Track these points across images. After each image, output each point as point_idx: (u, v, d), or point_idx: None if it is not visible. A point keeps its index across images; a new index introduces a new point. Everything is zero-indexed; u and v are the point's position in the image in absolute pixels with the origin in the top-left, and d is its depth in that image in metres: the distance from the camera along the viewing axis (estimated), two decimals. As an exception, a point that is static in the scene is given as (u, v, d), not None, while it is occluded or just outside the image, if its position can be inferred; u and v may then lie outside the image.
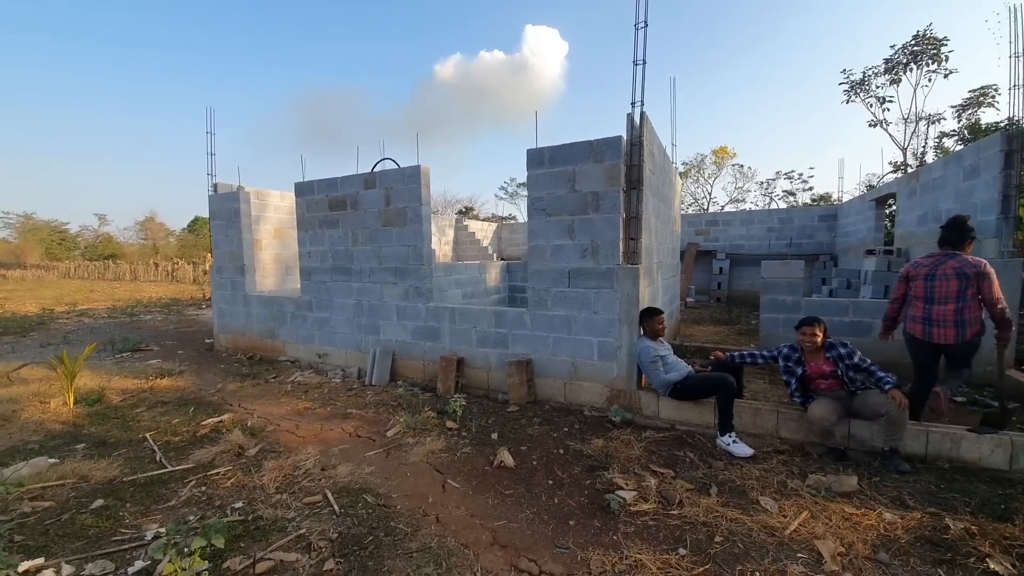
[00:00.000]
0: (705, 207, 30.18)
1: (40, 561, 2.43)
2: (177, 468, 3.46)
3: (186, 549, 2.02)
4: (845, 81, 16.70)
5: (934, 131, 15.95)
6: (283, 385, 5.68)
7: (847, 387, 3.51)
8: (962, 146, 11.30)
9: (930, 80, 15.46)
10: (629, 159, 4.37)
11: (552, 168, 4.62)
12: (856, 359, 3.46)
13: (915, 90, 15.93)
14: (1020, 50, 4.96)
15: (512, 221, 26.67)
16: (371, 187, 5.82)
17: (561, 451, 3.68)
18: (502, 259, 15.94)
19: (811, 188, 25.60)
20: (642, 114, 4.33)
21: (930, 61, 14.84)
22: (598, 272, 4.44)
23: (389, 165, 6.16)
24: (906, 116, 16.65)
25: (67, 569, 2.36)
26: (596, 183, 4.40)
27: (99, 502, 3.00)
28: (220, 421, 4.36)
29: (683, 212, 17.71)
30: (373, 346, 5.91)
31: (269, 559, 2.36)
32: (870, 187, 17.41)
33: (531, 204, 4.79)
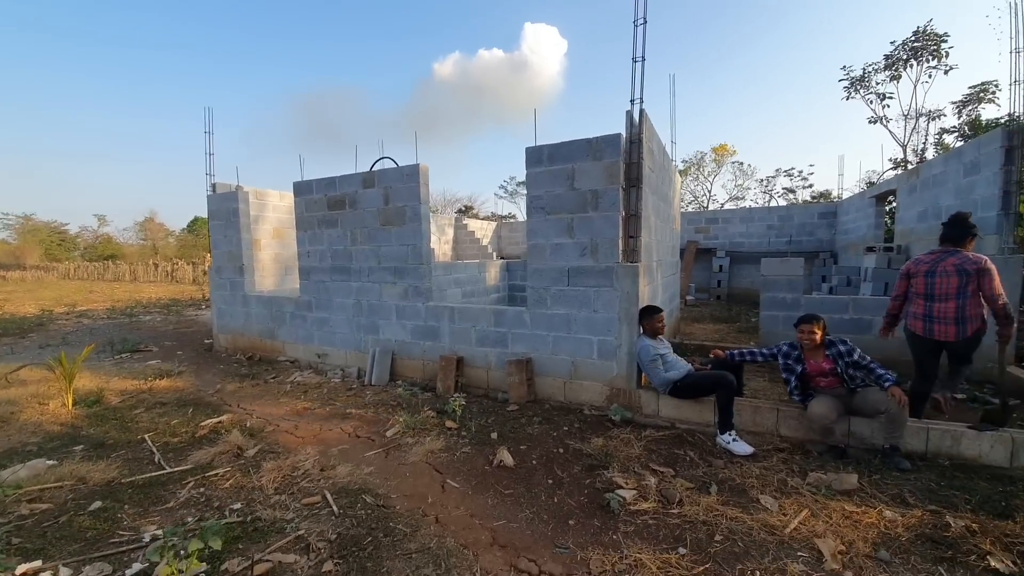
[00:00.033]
0: (705, 205, 30.15)
1: (38, 564, 2.42)
2: (176, 469, 3.45)
3: (183, 551, 2.01)
4: (845, 77, 16.66)
5: (934, 127, 15.94)
6: (282, 385, 5.67)
7: (847, 385, 3.50)
8: (962, 142, 11.29)
9: (930, 76, 15.44)
10: (628, 157, 4.35)
11: (551, 166, 4.61)
12: (856, 356, 3.45)
13: (915, 86, 15.91)
14: (1020, 45, 4.94)
15: (512, 220, 26.63)
16: (370, 186, 5.80)
17: (561, 450, 3.67)
18: (502, 258, 15.92)
19: (811, 185, 25.58)
20: (641, 111, 4.31)
21: (930, 57, 14.80)
22: (597, 270, 4.43)
23: (388, 164, 6.15)
24: (906, 112, 16.63)
25: (65, 571, 2.35)
26: (595, 181, 4.39)
27: (97, 504, 3.00)
28: (219, 422, 4.35)
29: (683, 210, 17.69)
30: (372, 346, 5.90)
31: (267, 560, 2.35)
32: (870, 184, 17.38)
33: (530, 202, 4.78)
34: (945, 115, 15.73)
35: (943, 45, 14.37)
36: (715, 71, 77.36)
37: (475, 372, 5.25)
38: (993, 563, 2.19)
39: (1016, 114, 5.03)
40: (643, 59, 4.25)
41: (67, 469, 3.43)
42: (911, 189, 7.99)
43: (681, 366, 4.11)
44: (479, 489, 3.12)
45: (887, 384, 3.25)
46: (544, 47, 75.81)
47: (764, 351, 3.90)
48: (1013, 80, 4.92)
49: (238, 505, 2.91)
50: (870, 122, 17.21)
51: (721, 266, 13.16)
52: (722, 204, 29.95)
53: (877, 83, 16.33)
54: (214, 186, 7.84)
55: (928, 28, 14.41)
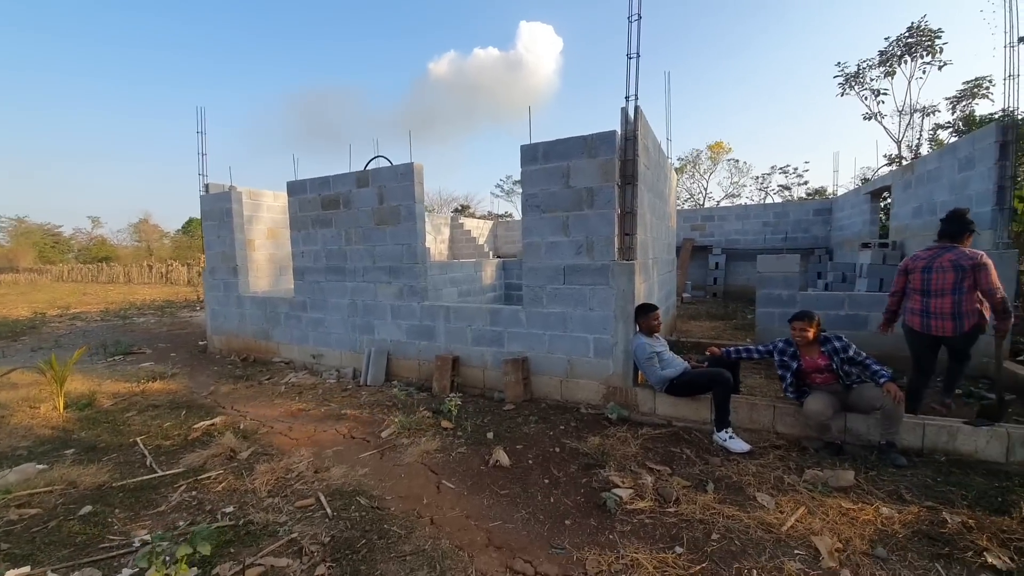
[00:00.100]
0: (701, 202, 30.18)
1: (26, 570, 2.38)
2: (168, 473, 3.41)
3: (168, 557, 1.97)
4: (840, 74, 16.68)
5: (929, 123, 15.97)
6: (277, 387, 5.63)
7: (842, 381, 3.49)
8: (956, 138, 11.32)
9: (924, 72, 15.47)
10: (623, 154, 4.33)
11: (546, 164, 4.58)
12: (851, 353, 3.44)
13: (909, 82, 15.93)
14: (1015, 40, 4.94)
15: (508, 219, 26.59)
16: (364, 185, 5.76)
17: (557, 449, 3.65)
18: (498, 257, 15.90)
19: (806, 182, 25.61)
20: (636, 108, 4.29)
21: (924, 53, 14.83)
22: (593, 268, 4.41)
23: (382, 163, 6.11)
24: (901, 108, 16.66)
25: (53, 578, 2.31)
26: (590, 179, 4.36)
27: (87, 508, 2.96)
28: (212, 424, 4.30)
29: (679, 207, 17.70)
30: (368, 346, 5.87)
31: (259, 564, 2.32)
32: (865, 180, 17.42)
33: (525, 201, 4.75)
34: (939, 111, 15.78)
35: (937, 41, 14.40)
36: (710, 68, 77.53)
37: (471, 372, 5.22)
38: (990, 559, 2.18)
39: (1010, 109, 5.04)
40: (638, 55, 4.23)
41: (57, 473, 3.39)
42: (906, 185, 8.00)
43: (677, 364, 4.09)
44: (475, 489, 3.10)
45: (882, 380, 3.25)
46: (539, 46, 75.85)
47: (760, 348, 3.88)
48: (1007, 75, 4.93)
49: (230, 508, 2.88)
50: (865, 118, 17.26)
51: (717, 263, 13.17)
52: (718, 201, 30.00)
53: (871, 79, 16.36)
54: (207, 186, 7.77)
55: (922, 24, 14.44)
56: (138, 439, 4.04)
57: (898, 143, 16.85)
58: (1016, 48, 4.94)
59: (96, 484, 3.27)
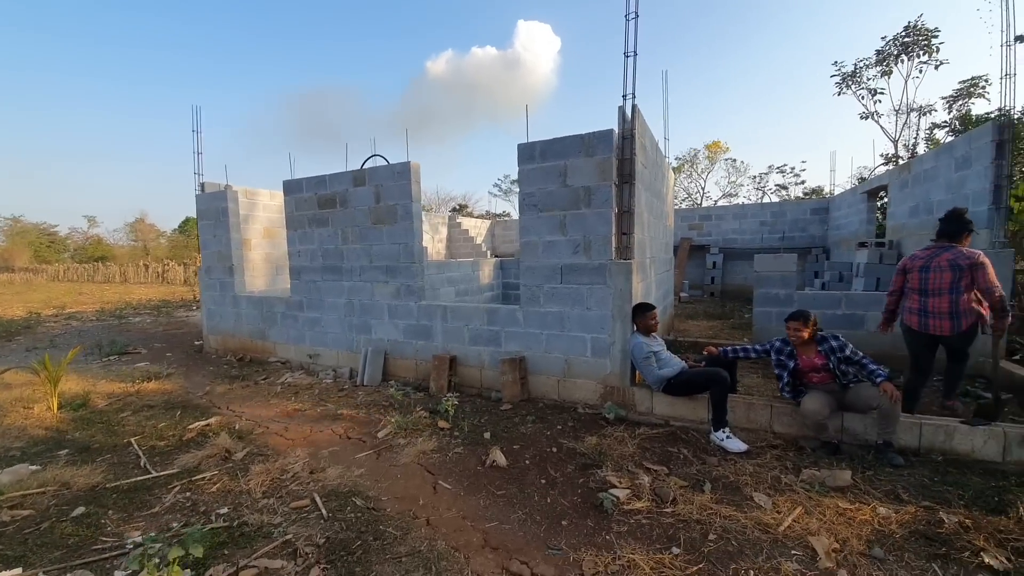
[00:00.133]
0: (699, 202, 30.22)
1: (18, 571, 2.36)
2: (162, 473, 3.38)
3: (160, 560, 1.95)
4: (836, 73, 16.73)
5: (925, 123, 16.03)
6: (273, 386, 5.60)
7: (839, 380, 3.49)
8: (953, 137, 11.35)
9: (921, 71, 15.54)
10: (621, 153, 4.31)
11: (543, 163, 4.56)
12: (848, 352, 3.44)
13: (906, 81, 15.99)
14: (1011, 39, 4.94)
15: (506, 218, 26.58)
16: (360, 184, 5.73)
17: (554, 449, 3.64)
18: (496, 256, 15.88)
19: (803, 182, 25.74)
20: (634, 107, 4.27)
21: (921, 52, 14.88)
22: (591, 268, 4.40)
23: (379, 162, 6.08)
24: (897, 108, 16.72)
25: (44, 580, 2.29)
26: (588, 177, 4.35)
27: (80, 510, 2.93)
28: (207, 424, 4.28)
29: (677, 207, 17.70)
30: (365, 346, 5.84)
31: (253, 566, 2.30)
32: (862, 180, 17.46)
33: (522, 200, 4.73)
34: (936, 110, 15.86)
35: (934, 40, 14.44)
36: (707, 67, 77.57)
37: (468, 371, 5.21)
38: (987, 559, 2.18)
39: (1007, 108, 5.04)
40: (635, 54, 4.21)
41: (50, 474, 3.36)
42: (902, 184, 8.01)
43: (675, 363, 4.08)
44: (471, 490, 3.08)
45: (879, 380, 3.24)
46: (537, 45, 75.75)
47: (757, 347, 3.88)
48: (1004, 74, 4.93)
49: (225, 509, 2.85)
50: (861, 118, 17.32)
51: (715, 263, 13.18)
52: (715, 201, 30.06)
53: (868, 79, 16.42)
54: (203, 185, 7.73)
55: (919, 23, 14.48)
56: (132, 440, 4.01)
57: (895, 142, 16.91)
58: (1013, 47, 4.94)
59: (90, 485, 3.25)
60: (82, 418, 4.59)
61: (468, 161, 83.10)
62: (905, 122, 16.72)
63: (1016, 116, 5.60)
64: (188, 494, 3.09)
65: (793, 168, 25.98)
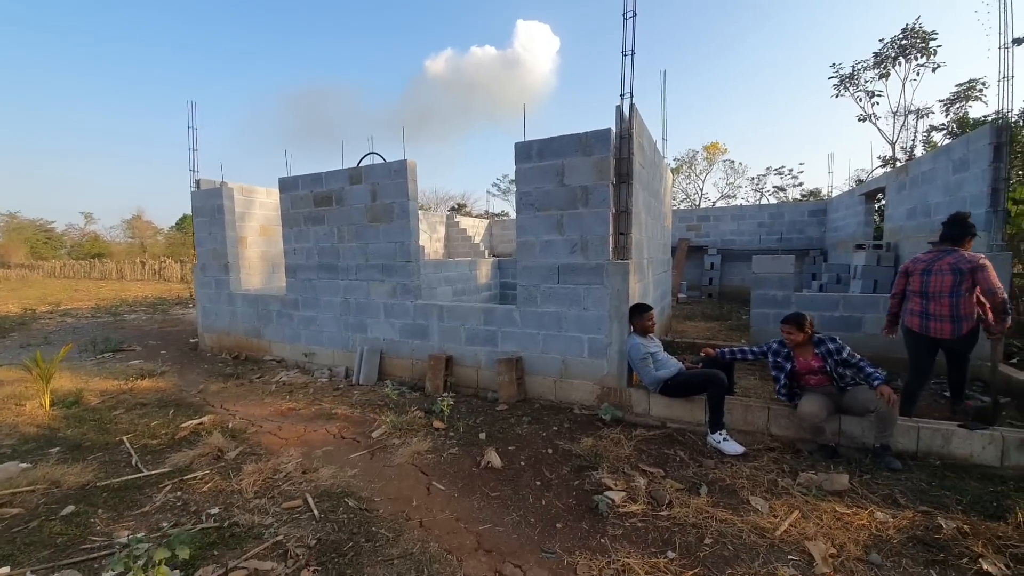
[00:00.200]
0: (697, 203, 30.23)
1: (5, 570, 2.33)
2: (153, 472, 3.34)
3: (143, 561, 1.91)
4: (834, 75, 16.72)
5: (923, 125, 16.05)
6: (267, 385, 5.56)
7: (836, 383, 3.47)
8: (950, 140, 11.37)
9: (919, 74, 15.53)
10: (618, 152, 4.29)
11: (540, 162, 4.53)
12: (845, 354, 3.42)
13: (904, 84, 15.99)
14: (1009, 41, 4.93)
15: (504, 218, 26.54)
16: (357, 182, 5.70)
17: (550, 451, 3.61)
18: (494, 256, 15.85)
19: (801, 184, 25.72)
20: (631, 106, 4.25)
21: (918, 55, 14.88)
22: (588, 268, 4.37)
23: (375, 160, 6.05)
24: (895, 110, 16.73)
25: (30, 581, 2.25)
26: (585, 177, 4.32)
27: (70, 508, 2.89)
28: (200, 423, 4.24)
29: (675, 208, 17.70)
30: (360, 345, 5.81)
31: (243, 568, 2.26)
32: (859, 182, 17.48)
33: (519, 199, 4.70)
34: (933, 113, 15.87)
35: (931, 42, 14.45)
36: (706, 67, 77.60)
37: (464, 371, 5.18)
38: (985, 566, 2.15)
39: (1004, 110, 5.03)
40: (633, 53, 4.19)
41: (41, 472, 3.32)
42: (900, 187, 8.01)
43: (672, 364, 4.06)
44: (465, 491, 3.05)
45: (876, 383, 3.22)
46: (536, 44, 75.61)
47: (755, 349, 3.86)
48: (1001, 76, 4.92)
49: (216, 510, 2.82)
50: (859, 120, 17.31)
51: (712, 264, 13.18)
52: (714, 202, 30.07)
53: (866, 81, 16.42)
54: (198, 182, 7.67)
55: (917, 26, 14.49)
56: (124, 438, 3.97)
57: (892, 145, 16.92)
58: (1010, 49, 4.93)
59: (80, 484, 3.21)
60: (74, 416, 4.55)
61: (467, 160, 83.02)
62: (903, 124, 16.74)
63: (1014, 119, 5.59)
64: (179, 493, 3.05)
65: (791, 170, 25.97)
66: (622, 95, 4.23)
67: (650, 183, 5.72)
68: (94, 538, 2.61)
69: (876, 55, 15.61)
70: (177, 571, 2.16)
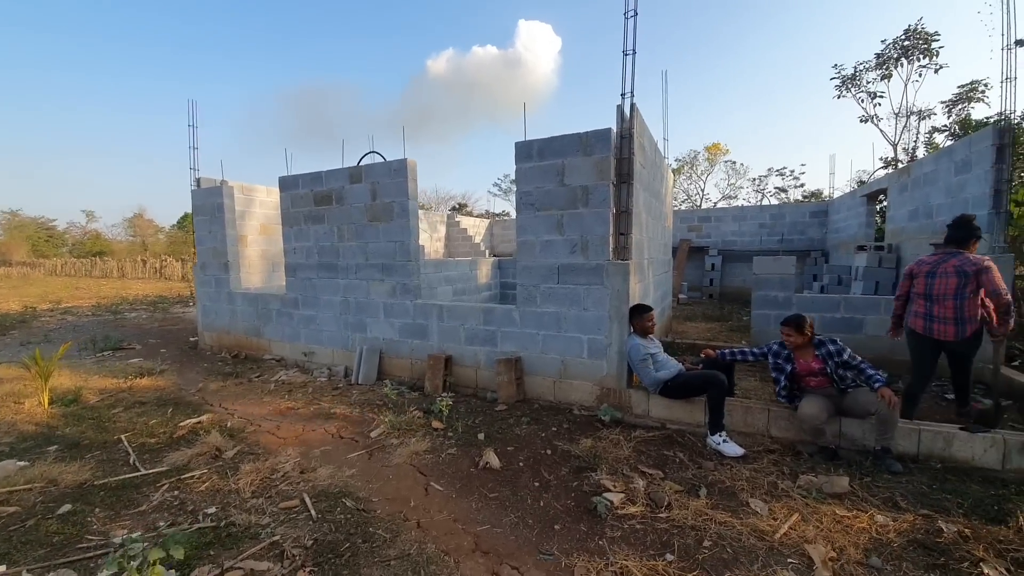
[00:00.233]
0: (698, 203, 30.21)
1: (1, 569, 2.32)
2: (151, 471, 3.33)
3: (135, 562, 1.90)
4: (836, 76, 16.69)
5: (925, 126, 16.01)
6: (266, 384, 5.55)
7: (837, 385, 3.45)
8: (952, 142, 11.33)
9: (921, 75, 15.50)
10: (619, 152, 4.27)
11: (541, 161, 4.52)
12: (846, 356, 3.40)
13: (906, 85, 15.96)
14: (1012, 42, 4.91)
15: (505, 217, 26.53)
16: (357, 181, 5.69)
17: (549, 451, 3.60)
18: (495, 256, 15.84)
19: (803, 184, 25.73)
20: (632, 106, 4.23)
21: (921, 56, 14.85)
22: (588, 268, 4.35)
23: (376, 159, 6.04)
24: (897, 111, 16.70)
25: (26, 580, 2.24)
26: (585, 177, 4.31)
27: (67, 507, 2.89)
28: (199, 422, 4.23)
29: (676, 208, 17.68)
30: (360, 344, 5.80)
31: (239, 568, 2.25)
32: (861, 183, 17.45)
33: (519, 199, 4.69)
34: (935, 114, 15.82)
35: (934, 44, 14.42)
36: (706, 67, 77.48)
37: (464, 371, 5.16)
38: (986, 570, 2.14)
39: (1007, 112, 5.01)
40: (634, 52, 4.17)
41: (38, 471, 3.31)
42: (902, 188, 7.98)
43: (672, 365, 4.05)
44: (463, 492, 3.04)
45: (877, 385, 3.20)
46: (538, 44, 75.58)
47: (755, 350, 3.84)
48: (1004, 77, 4.89)
49: (212, 509, 2.81)
50: (861, 121, 17.29)
51: (713, 264, 13.16)
52: (715, 203, 30.04)
53: (868, 82, 16.38)
54: (198, 181, 7.67)
55: (919, 27, 14.46)
56: (123, 436, 3.96)
57: (894, 146, 16.89)
58: (1013, 51, 4.91)
59: (77, 482, 3.20)
60: (73, 414, 4.54)
61: (468, 160, 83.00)
62: (905, 126, 16.71)
63: (1016, 120, 5.56)
64: (176, 493, 3.04)
65: (792, 171, 25.97)
66: (623, 95, 4.22)
67: (651, 183, 5.70)
68: (90, 537, 2.60)
69: (878, 56, 15.58)
70: (172, 571, 2.15)
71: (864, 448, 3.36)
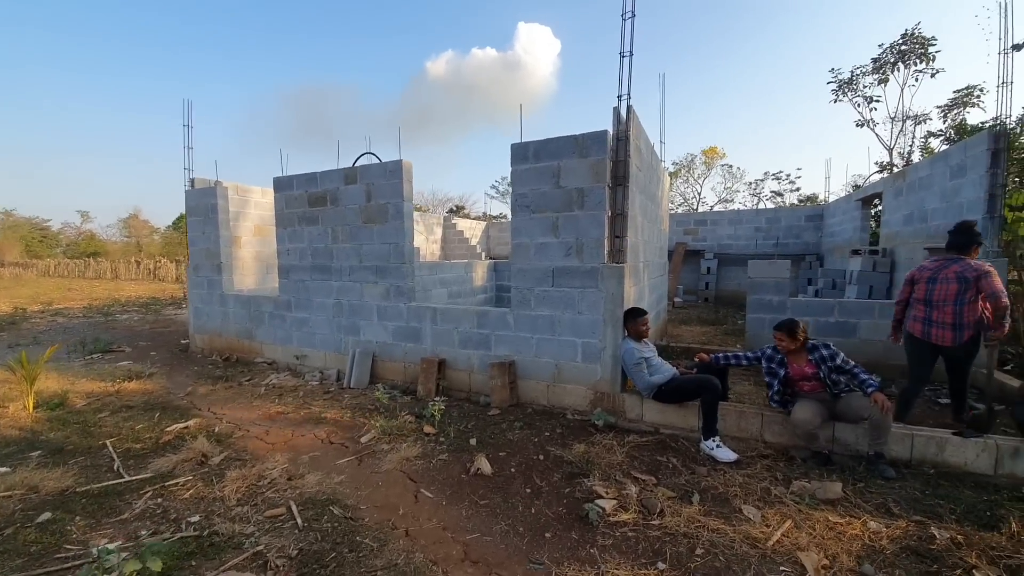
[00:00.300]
0: (694, 207, 30.28)
1: (-24, 580, 2.26)
2: (134, 478, 3.27)
3: (112, 575, 1.85)
4: (833, 80, 16.78)
5: (920, 131, 16.09)
6: (257, 388, 5.48)
7: (830, 389, 3.43)
8: (947, 146, 11.39)
9: (917, 79, 15.58)
10: (615, 154, 4.25)
11: (536, 163, 4.49)
12: (839, 361, 3.38)
13: (902, 89, 16.05)
14: (1009, 47, 4.92)
15: (502, 220, 26.50)
16: (352, 182, 5.64)
17: (541, 457, 3.56)
18: (491, 258, 15.79)
19: (798, 188, 25.81)
20: (628, 108, 4.21)
21: (917, 60, 14.93)
22: (583, 271, 4.32)
23: (371, 160, 5.99)
24: (893, 116, 16.78)
25: (1, 592, 2.18)
26: (581, 179, 4.28)
27: (47, 515, 2.82)
28: (186, 427, 4.16)
29: (672, 212, 17.71)
30: (353, 347, 5.74)
31: (221, 579, 2.20)
32: (856, 187, 17.52)
33: (515, 200, 4.66)
34: (931, 119, 15.91)
35: (930, 48, 14.50)
36: (706, 68, 77.80)
37: (457, 375, 5.12)
38: (980, 578, 2.11)
39: (1003, 116, 5.02)
40: (631, 54, 4.15)
41: (19, 477, 3.25)
42: (897, 192, 8.00)
43: (666, 370, 4.02)
44: (454, 499, 3.00)
45: (870, 390, 3.19)
46: (537, 47, 75.68)
47: (749, 355, 3.82)
48: (1000, 82, 4.90)
49: (196, 518, 2.75)
50: (857, 125, 17.35)
51: (709, 268, 13.16)
52: (711, 206, 30.12)
53: (865, 86, 16.47)
54: (192, 181, 7.60)
55: (916, 31, 14.54)
56: (108, 442, 3.90)
57: (890, 150, 16.97)
58: (1010, 55, 4.92)
59: (59, 489, 3.13)
60: (58, 418, 4.47)
61: (466, 162, 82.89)
62: (900, 130, 16.80)
63: (1011, 125, 5.57)
64: (160, 500, 2.98)
65: (788, 175, 26.04)
66: (619, 96, 4.20)
67: (647, 186, 5.68)
68: (69, 547, 2.54)
69: (875, 60, 15.66)
70: (153, 581, 2.10)
71: (857, 453, 3.34)
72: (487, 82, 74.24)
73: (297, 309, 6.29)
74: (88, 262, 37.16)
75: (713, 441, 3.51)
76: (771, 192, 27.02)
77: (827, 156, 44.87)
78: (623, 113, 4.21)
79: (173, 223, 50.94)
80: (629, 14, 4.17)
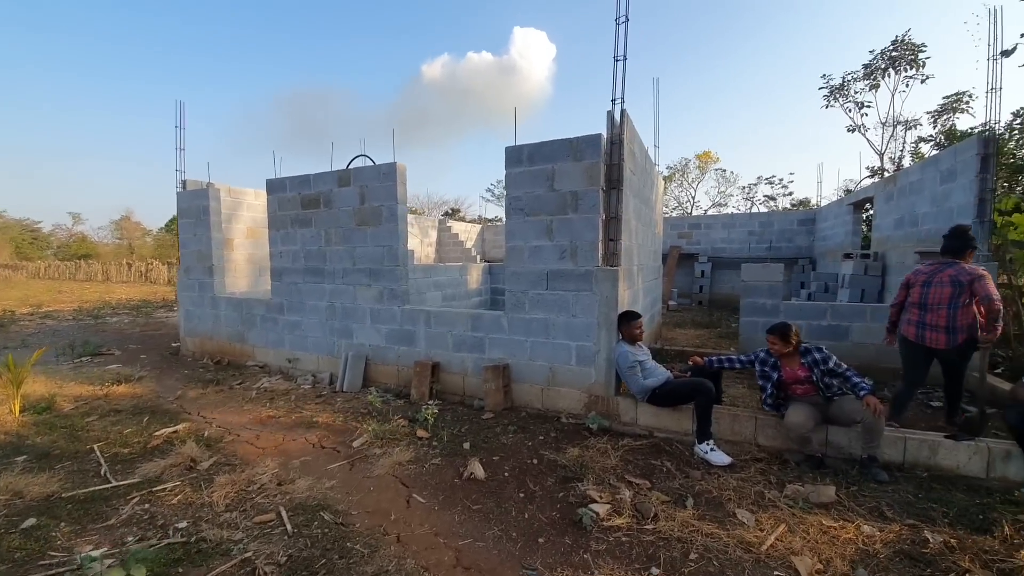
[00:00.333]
0: (688, 211, 30.45)
1: (-43, 589, 2.21)
2: (121, 483, 3.21)
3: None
4: (825, 86, 16.94)
5: (911, 136, 16.27)
6: (248, 392, 5.42)
7: (823, 393, 3.43)
8: (937, 151, 11.52)
9: (907, 85, 15.77)
10: (609, 158, 4.25)
11: (531, 166, 4.49)
12: (831, 364, 3.39)
13: (893, 95, 16.23)
14: (998, 52, 4.98)
15: (497, 223, 26.50)
16: (345, 185, 5.61)
17: (535, 461, 3.53)
18: (486, 261, 15.78)
19: (791, 193, 26.05)
20: (622, 111, 4.22)
21: (908, 66, 15.12)
22: (577, 274, 4.32)
23: (365, 162, 5.97)
24: (884, 121, 16.96)
25: (-19, 601, 2.13)
26: (575, 182, 4.28)
27: (31, 521, 2.77)
28: (175, 431, 4.11)
29: (667, 215, 17.79)
30: (345, 350, 5.70)
31: (208, 587, 2.16)
32: (848, 192, 17.67)
33: (509, 203, 4.65)
34: (921, 124, 16.10)
35: (920, 55, 14.69)
36: (702, 70, 78.32)
37: (451, 378, 5.09)
38: (973, 582, 2.11)
39: (992, 122, 5.08)
40: (624, 58, 4.17)
41: (4, 482, 3.19)
42: (888, 197, 8.07)
43: (660, 373, 4.01)
44: (446, 504, 2.97)
45: (863, 393, 3.19)
46: (533, 52, 75.95)
47: (742, 358, 3.82)
48: (990, 87, 4.96)
49: (183, 524, 2.70)
50: (848, 130, 17.53)
51: (703, 271, 13.21)
52: (705, 210, 30.29)
53: (856, 92, 16.64)
54: (184, 183, 7.54)
55: (907, 37, 14.73)
56: (95, 446, 3.83)
57: (881, 155, 17.14)
58: (999, 61, 4.98)
59: (44, 494, 3.07)
60: (45, 422, 4.39)
61: (461, 165, 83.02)
62: (891, 135, 16.98)
63: (1000, 131, 5.65)
64: (147, 506, 2.93)
65: (781, 179, 26.30)
66: (613, 100, 4.21)
67: (641, 190, 5.69)
68: (54, 553, 2.48)
69: (866, 67, 15.85)
70: (137, 589, 2.06)
71: (850, 456, 3.34)
72: (482, 86, 74.46)
73: (290, 312, 6.24)
74: (79, 264, 36.79)
75: (707, 444, 3.50)
76: (764, 196, 27.25)
77: (819, 161, 45.43)
78: (617, 117, 4.22)
79: (166, 225, 50.55)
80: (623, 18, 4.19)
